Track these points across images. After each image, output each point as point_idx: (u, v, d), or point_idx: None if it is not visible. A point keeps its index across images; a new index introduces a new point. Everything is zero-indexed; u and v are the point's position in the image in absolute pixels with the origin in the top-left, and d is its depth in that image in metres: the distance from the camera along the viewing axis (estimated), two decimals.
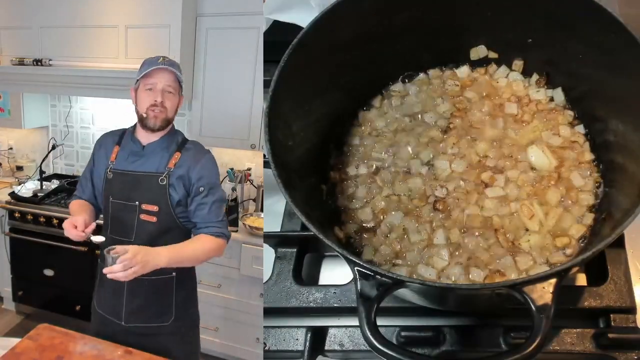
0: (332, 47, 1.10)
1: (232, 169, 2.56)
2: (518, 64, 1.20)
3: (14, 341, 1.23)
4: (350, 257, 0.88)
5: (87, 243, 2.42)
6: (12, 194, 2.66)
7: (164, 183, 1.35)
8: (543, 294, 0.81)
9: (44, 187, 2.74)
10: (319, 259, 1.24)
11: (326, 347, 1.08)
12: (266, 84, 1.13)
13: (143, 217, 1.35)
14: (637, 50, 0.92)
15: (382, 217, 1.09)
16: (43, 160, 2.83)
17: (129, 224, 1.37)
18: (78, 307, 2.58)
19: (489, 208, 1.06)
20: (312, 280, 1.20)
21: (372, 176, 1.15)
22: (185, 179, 1.35)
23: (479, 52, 1.21)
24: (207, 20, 2.34)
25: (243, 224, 2.32)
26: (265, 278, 1.15)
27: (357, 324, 0.84)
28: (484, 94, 1.20)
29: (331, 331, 1.09)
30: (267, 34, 1.44)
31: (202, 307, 1.55)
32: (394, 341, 1.04)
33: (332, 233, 1.07)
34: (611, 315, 1.03)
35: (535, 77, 1.19)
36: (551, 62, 1.16)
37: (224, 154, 2.61)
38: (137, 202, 1.36)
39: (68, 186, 2.75)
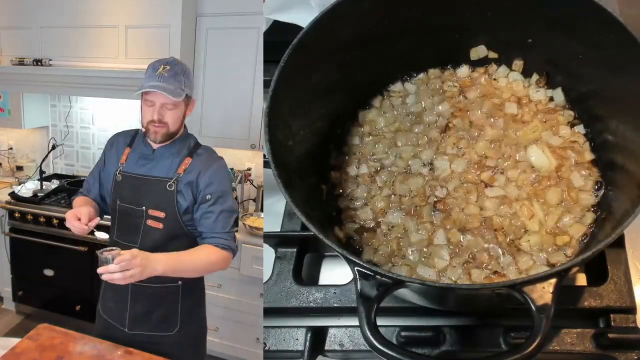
0: (332, 47, 1.10)
1: (232, 169, 2.56)
2: (518, 64, 1.20)
3: (14, 341, 1.23)
4: (350, 257, 0.88)
5: (88, 243, 2.47)
6: (12, 194, 2.67)
7: (172, 189, 1.31)
8: (543, 294, 0.81)
9: (44, 187, 2.75)
10: (319, 259, 1.24)
11: (326, 347, 1.08)
12: (266, 84, 1.13)
13: (150, 222, 1.32)
14: (637, 50, 0.92)
15: (382, 217, 1.09)
16: (43, 160, 2.83)
17: (136, 229, 1.33)
18: (78, 307, 2.58)
19: (489, 208, 1.06)
20: (312, 280, 1.20)
21: (372, 176, 1.15)
22: (194, 186, 1.31)
23: (479, 52, 1.21)
24: (207, 20, 2.34)
25: (243, 224, 2.32)
26: (265, 278, 1.15)
27: (357, 324, 0.84)
28: (484, 94, 1.19)
29: (331, 331, 1.09)
30: (267, 34, 1.43)
31: None
32: (394, 341, 1.04)
33: (332, 233, 1.07)
34: (611, 315, 1.03)
35: (535, 77, 1.19)
36: (551, 62, 1.16)
37: (224, 154, 2.57)
38: (144, 207, 1.32)
39: (68, 186, 2.75)
